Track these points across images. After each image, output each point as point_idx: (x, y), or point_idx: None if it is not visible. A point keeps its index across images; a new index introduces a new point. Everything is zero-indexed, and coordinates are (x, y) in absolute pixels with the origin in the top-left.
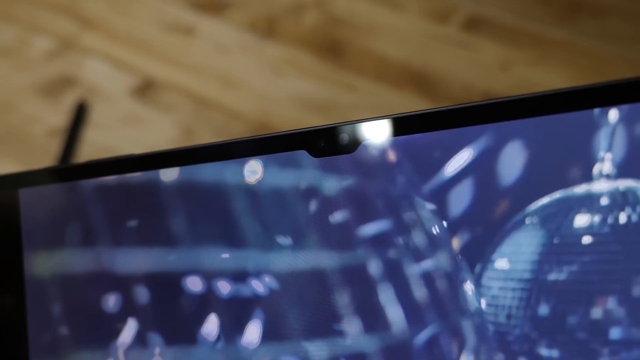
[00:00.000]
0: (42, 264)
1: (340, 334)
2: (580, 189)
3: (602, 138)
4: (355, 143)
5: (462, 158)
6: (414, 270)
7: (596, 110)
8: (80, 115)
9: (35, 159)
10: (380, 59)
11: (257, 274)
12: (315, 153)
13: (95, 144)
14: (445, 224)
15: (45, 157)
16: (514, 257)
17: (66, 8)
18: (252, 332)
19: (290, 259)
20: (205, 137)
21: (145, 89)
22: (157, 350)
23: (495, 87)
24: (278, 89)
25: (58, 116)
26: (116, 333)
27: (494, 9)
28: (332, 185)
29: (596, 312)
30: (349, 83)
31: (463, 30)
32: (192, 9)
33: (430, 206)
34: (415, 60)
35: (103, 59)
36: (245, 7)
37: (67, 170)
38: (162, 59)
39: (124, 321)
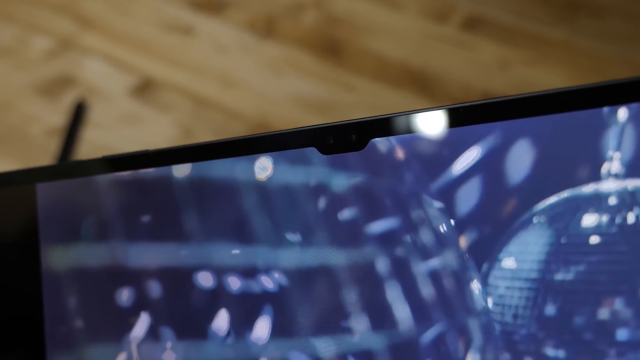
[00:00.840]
0: (58, 258)
1: (348, 331)
2: (588, 189)
3: (610, 137)
4: (364, 140)
5: (470, 156)
6: (421, 268)
7: (605, 109)
8: (79, 115)
9: (34, 158)
10: (379, 58)
11: (267, 270)
12: (324, 150)
13: (94, 144)
14: (452, 222)
15: (44, 156)
16: (521, 256)
17: (65, 8)
18: (262, 328)
19: (299, 255)
20: (204, 136)
21: (144, 89)
22: (168, 344)
23: (494, 87)
24: (277, 88)
25: (57, 115)
26: (129, 327)
27: (493, 9)
28: (341, 182)
29: (603, 313)
30: (348, 83)
31: (462, 30)
32: (191, 8)
33: (438, 204)
34: (414, 59)
35: (102, 59)
36: (245, 7)
37: (83, 166)
38: (161, 58)
39: (137, 315)
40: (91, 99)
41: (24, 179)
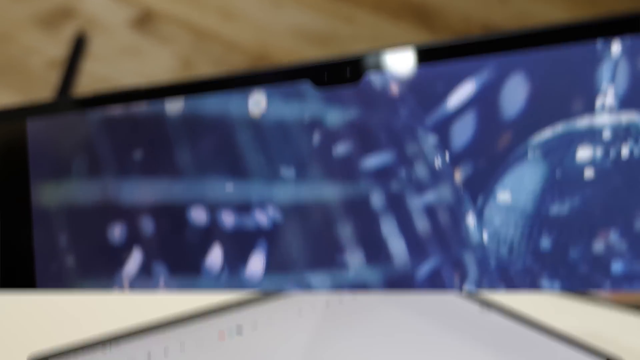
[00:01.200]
0: (49, 195)
1: (343, 265)
2: (582, 122)
3: (605, 71)
4: (359, 74)
5: (465, 91)
6: (416, 202)
7: (599, 43)
8: (79, 47)
9: (34, 90)
10: None
11: (261, 206)
12: (319, 84)
13: (94, 75)
14: (447, 156)
15: (45, 88)
16: (516, 190)
17: None
18: (256, 263)
19: (294, 190)
20: (204, 68)
21: (144, 21)
22: (162, 280)
23: (494, 19)
24: (277, 20)
25: (57, 48)
26: (121, 263)
27: None
28: (335, 117)
29: (598, 246)
30: (348, 14)
31: None
32: None
33: (433, 138)
34: None
35: None
36: None
37: (74, 102)
38: None
39: (129, 251)
40: (91, 31)
41: (14, 116)
